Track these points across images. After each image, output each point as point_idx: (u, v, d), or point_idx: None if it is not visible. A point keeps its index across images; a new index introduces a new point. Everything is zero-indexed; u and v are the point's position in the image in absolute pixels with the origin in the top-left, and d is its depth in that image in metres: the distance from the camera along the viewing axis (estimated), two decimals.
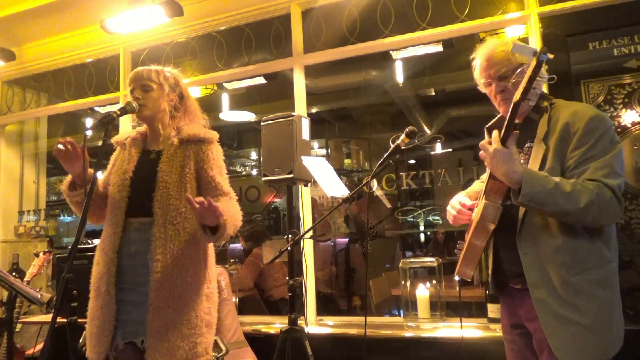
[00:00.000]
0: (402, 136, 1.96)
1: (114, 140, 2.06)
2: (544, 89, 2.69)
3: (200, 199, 1.59)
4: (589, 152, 1.45)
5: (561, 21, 2.81)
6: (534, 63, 1.36)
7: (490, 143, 1.47)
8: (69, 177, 1.91)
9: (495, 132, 1.48)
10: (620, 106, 2.63)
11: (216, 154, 1.93)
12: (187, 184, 1.83)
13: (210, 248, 1.95)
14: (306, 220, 3.19)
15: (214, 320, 1.88)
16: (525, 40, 2.90)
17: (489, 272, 1.72)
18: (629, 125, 2.60)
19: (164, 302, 1.72)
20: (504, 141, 1.45)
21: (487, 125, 1.70)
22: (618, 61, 2.66)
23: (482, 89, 1.69)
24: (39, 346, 3.28)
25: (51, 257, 3.50)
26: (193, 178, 1.86)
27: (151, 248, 1.76)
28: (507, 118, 1.43)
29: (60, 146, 1.76)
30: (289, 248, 2.27)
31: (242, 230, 4.17)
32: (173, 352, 1.70)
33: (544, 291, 1.48)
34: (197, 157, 1.88)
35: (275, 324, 3.19)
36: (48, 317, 3.29)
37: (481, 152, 1.49)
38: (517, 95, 1.40)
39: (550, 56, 1.36)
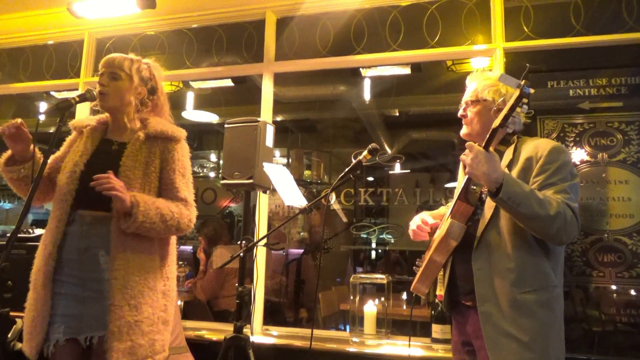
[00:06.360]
0: (365, 152, 1.99)
1: (71, 123, 1.96)
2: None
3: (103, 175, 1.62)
4: (550, 178, 1.58)
5: (524, 58, 2.93)
6: (517, 94, 1.48)
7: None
8: (8, 152, 1.82)
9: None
10: (572, 144, 2.77)
11: (182, 154, 1.89)
12: (152, 183, 1.79)
13: (170, 245, 1.91)
14: (262, 227, 3.16)
15: (170, 318, 1.84)
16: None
17: (444, 289, 1.79)
18: (578, 163, 2.74)
19: (125, 301, 1.67)
20: (485, 148, 1.55)
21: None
22: (573, 101, 2.81)
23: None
24: None
25: None
26: (157, 177, 1.82)
27: (111, 245, 1.70)
28: (487, 138, 1.54)
29: (9, 129, 1.71)
30: (241, 254, 2.24)
31: (202, 231, 4.08)
32: (135, 351, 1.66)
33: (490, 305, 1.57)
34: (163, 155, 1.84)
35: (220, 331, 3.12)
36: None
37: (462, 155, 1.58)
38: (496, 122, 1.53)
39: (532, 90, 1.49)
